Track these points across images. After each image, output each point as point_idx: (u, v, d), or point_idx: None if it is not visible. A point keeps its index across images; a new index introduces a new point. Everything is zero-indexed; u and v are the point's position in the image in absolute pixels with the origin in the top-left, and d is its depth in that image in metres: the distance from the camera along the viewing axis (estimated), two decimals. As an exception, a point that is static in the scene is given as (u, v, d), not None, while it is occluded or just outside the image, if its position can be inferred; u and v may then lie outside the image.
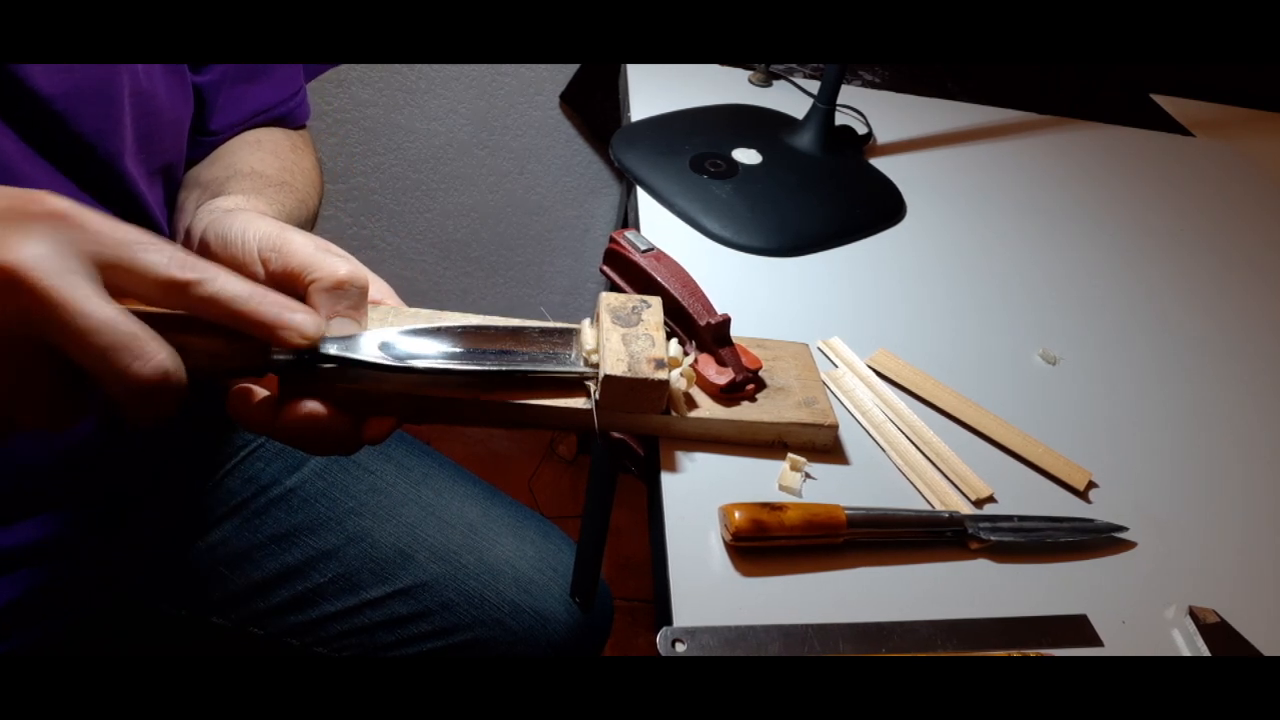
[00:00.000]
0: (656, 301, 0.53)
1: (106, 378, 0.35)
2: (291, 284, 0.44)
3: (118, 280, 0.36)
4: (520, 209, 1.43)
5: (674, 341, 0.53)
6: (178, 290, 0.37)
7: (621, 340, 0.49)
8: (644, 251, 0.57)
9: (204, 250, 0.47)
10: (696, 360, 0.53)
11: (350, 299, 0.44)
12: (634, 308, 0.52)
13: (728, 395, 0.52)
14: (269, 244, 0.45)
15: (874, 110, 0.94)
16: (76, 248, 0.35)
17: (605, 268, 0.60)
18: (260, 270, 0.45)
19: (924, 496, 0.53)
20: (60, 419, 0.37)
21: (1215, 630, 0.48)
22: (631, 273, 0.57)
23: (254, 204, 0.53)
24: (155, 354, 0.35)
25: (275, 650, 0.71)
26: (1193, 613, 0.49)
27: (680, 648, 0.42)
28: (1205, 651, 0.47)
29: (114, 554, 0.63)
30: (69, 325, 0.34)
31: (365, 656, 0.71)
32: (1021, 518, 0.52)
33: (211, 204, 0.52)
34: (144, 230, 0.37)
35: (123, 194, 0.52)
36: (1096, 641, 0.47)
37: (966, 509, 0.52)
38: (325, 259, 0.43)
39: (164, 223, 0.57)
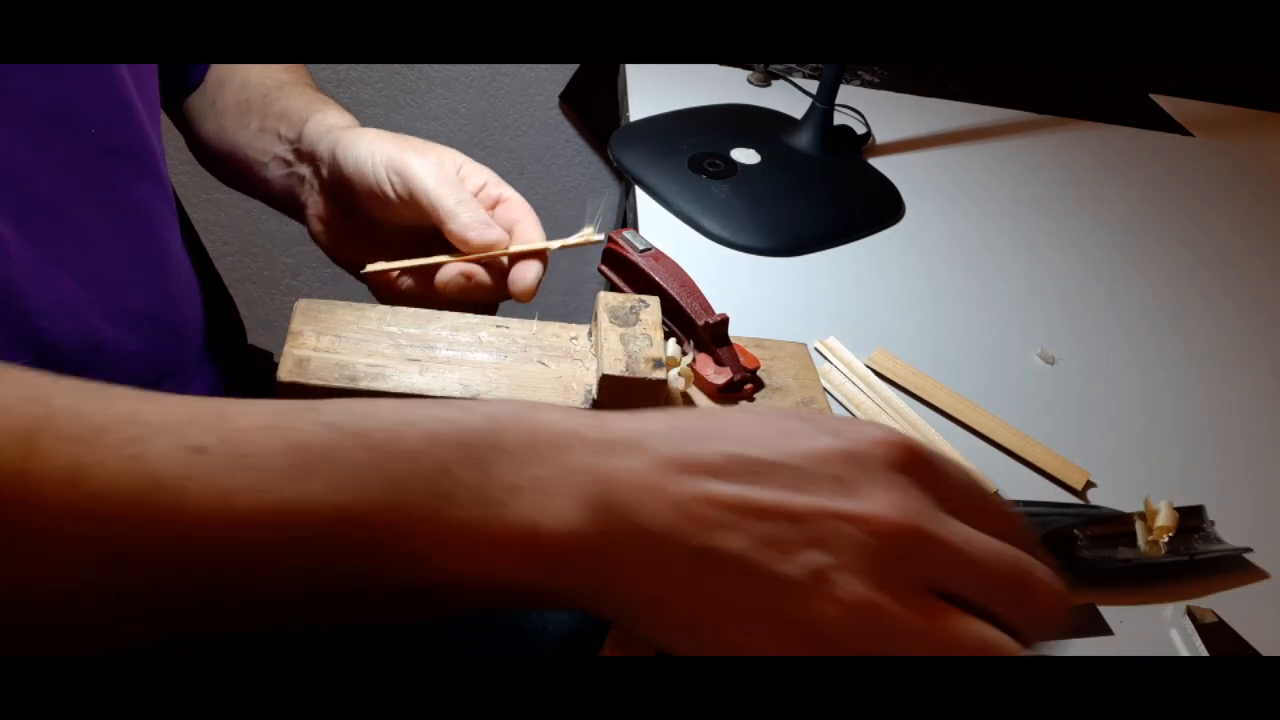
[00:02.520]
0: (654, 301, 0.53)
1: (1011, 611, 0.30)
2: (419, 213, 0.50)
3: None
4: (520, 209, 1.43)
5: (672, 341, 0.53)
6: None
7: (619, 340, 0.49)
8: (642, 251, 0.57)
9: (337, 173, 0.52)
10: (695, 360, 0.53)
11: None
12: (632, 307, 0.52)
13: (726, 395, 0.52)
14: (393, 167, 0.50)
15: (873, 110, 0.94)
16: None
17: (603, 267, 0.60)
18: (390, 193, 0.50)
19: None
20: None
21: (1213, 630, 0.48)
22: (630, 272, 0.57)
23: (349, 118, 0.57)
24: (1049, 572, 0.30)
25: (274, 649, 0.71)
26: (1191, 613, 0.49)
27: None
28: (1203, 651, 0.47)
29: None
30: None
31: (365, 655, 0.71)
32: (1025, 504, 0.52)
33: (318, 122, 0.56)
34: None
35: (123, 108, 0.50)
36: (1106, 630, 0.47)
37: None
38: (447, 200, 0.49)
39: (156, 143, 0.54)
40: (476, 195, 0.54)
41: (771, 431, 0.29)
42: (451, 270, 0.50)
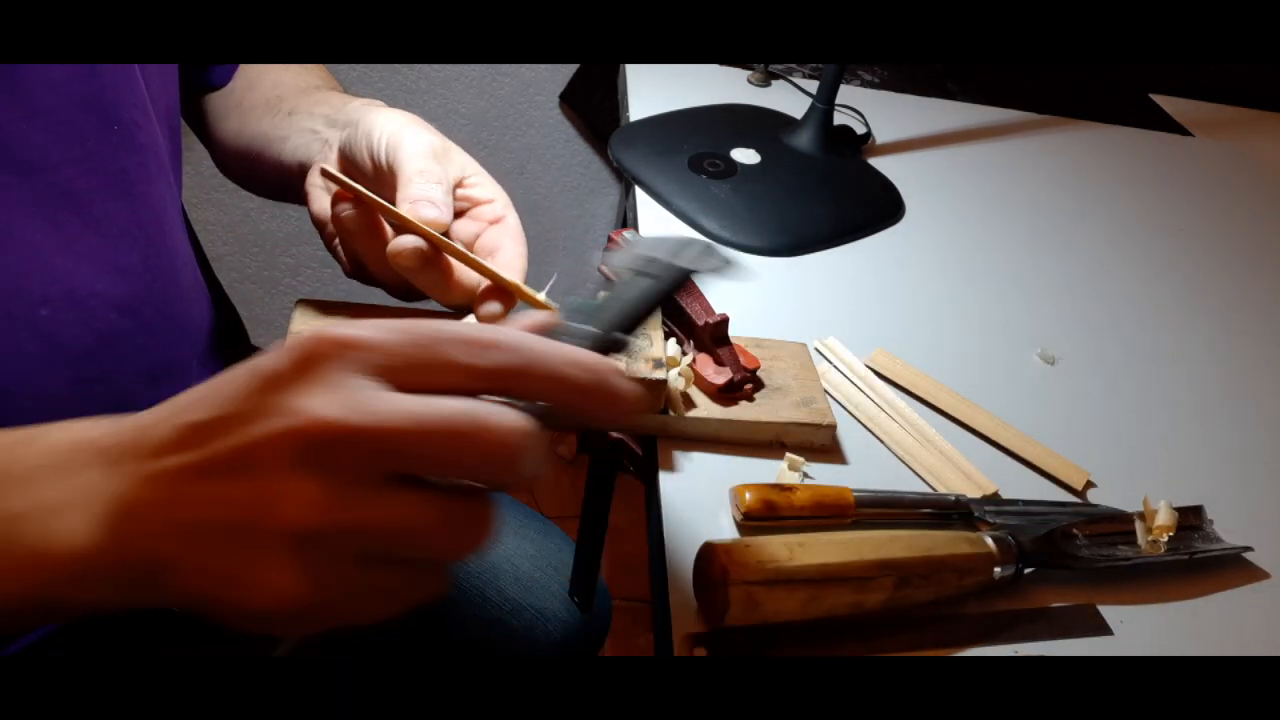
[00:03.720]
0: (655, 301, 0.53)
1: (454, 467, 0.28)
2: (391, 187, 0.49)
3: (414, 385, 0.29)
4: (520, 209, 1.42)
5: (672, 341, 0.54)
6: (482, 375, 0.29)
7: (620, 340, 0.49)
8: (643, 251, 0.57)
9: (356, 136, 0.52)
10: (695, 360, 0.53)
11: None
12: (632, 307, 0.52)
13: (726, 395, 0.52)
14: (393, 136, 0.50)
15: (873, 110, 0.94)
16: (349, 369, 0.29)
17: (604, 268, 0.60)
18: (383, 161, 0.50)
19: (928, 484, 0.53)
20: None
21: None
22: (630, 272, 0.57)
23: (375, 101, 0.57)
24: (501, 415, 0.28)
25: (273, 648, 0.71)
26: (1190, 612, 0.49)
27: (700, 653, 0.41)
28: None
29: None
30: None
31: (364, 654, 0.71)
32: (1026, 502, 0.52)
33: (363, 101, 0.56)
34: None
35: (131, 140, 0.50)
36: (1106, 630, 0.47)
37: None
38: (417, 187, 0.47)
39: (174, 170, 0.56)
40: (475, 208, 0.53)
41: (209, 389, 0.30)
42: (409, 242, 0.47)
